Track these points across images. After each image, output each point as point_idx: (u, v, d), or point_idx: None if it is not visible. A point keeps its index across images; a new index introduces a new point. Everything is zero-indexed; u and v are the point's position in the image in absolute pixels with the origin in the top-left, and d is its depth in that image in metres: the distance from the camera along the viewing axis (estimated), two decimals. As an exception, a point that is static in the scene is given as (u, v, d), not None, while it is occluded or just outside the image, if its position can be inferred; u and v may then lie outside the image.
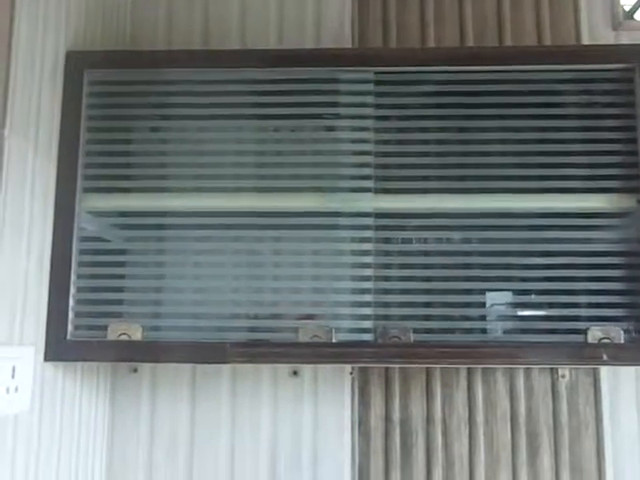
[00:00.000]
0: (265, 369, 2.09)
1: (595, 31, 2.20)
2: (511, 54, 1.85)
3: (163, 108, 1.87)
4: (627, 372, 2.05)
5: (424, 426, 2.07)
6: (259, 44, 2.23)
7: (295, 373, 2.10)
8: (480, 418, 2.06)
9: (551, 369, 2.06)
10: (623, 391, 2.04)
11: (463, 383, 2.08)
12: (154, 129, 1.86)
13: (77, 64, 1.82)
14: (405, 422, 2.07)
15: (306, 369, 2.10)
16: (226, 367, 2.08)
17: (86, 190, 1.81)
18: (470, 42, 2.22)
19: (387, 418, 2.08)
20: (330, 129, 1.80)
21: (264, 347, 1.69)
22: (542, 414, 2.05)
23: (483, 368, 2.07)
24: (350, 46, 2.22)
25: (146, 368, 2.12)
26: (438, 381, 2.08)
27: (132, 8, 2.28)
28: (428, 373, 2.09)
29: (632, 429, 2.02)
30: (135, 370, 2.12)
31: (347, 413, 2.08)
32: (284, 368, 2.09)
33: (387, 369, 2.08)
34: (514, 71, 1.83)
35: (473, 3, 2.27)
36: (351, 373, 2.09)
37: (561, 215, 1.76)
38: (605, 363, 1.65)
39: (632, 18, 2.28)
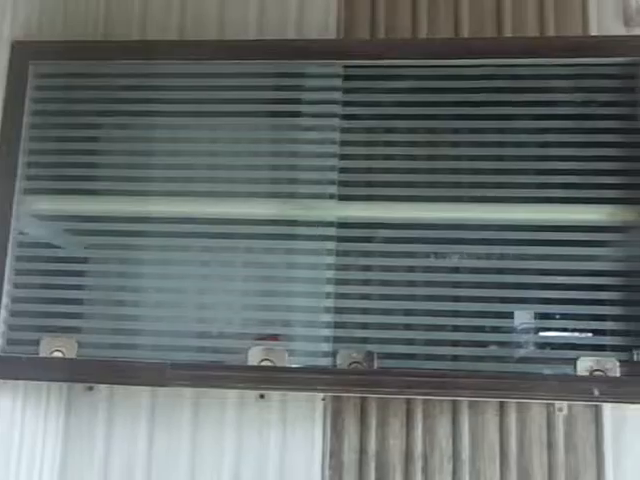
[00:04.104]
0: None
1: (604, 26, 1.97)
2: (500, 46, 1.65)
3: (115, 104, 1.72)
4: (633, 406, 1.80)
5: (402, 461, 1.85)
6: (238, 37, 2.06)
7: (262, 396, 1.91)
8: (465, 454, 1.84)
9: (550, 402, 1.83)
10: (628, 429, 1.79)
11: (447, 414, 1.86)
12: (97, 126, 1.71)
13: (22, 55, 1.68)
14: (381, 456, 1.86)
15: (274, 392, 1.91)
16: (188, 387, 1.91)
17: (27, 192, 1.66)
18: (465, 36, 2.02)
19: (362, 450, 1.87)
20: (291, 128, 1.62)
21: (208, 370, 1.51)
22: (535, 451, 1.82)
23: (478, 397, 1.85)
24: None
25: (103, 386, 1.96)
26: (420, 411, 1.87)
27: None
28: (409, 402, 1.87)
29: (638, 473, 1.78)
30: (91, 388, 1.96)
31: (318, 443, 1.88)
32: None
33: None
34: (504, 65, 1.63)
35: (470, -5, 2.06)
36: (323, 399, 1.89)
37: (553, 228, 1.54)
38: (596, 399, 1.42)
39: (648, 12, 2.05)
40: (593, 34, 1.93)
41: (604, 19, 1.97)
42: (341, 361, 1.49)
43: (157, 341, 1.61)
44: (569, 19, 1.99)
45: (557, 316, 1.56)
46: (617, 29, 1.94)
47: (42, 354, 1.54)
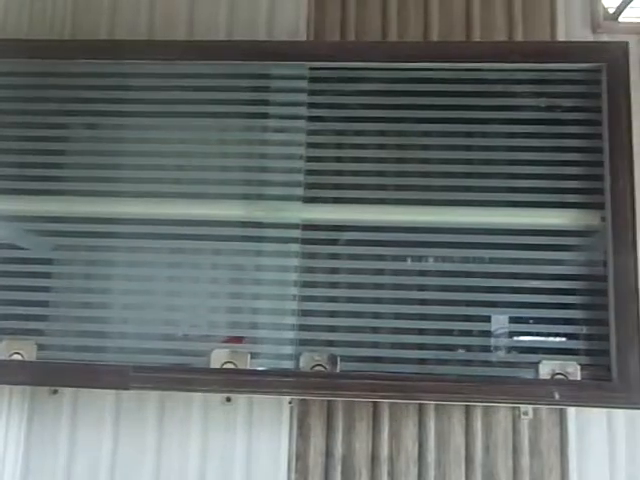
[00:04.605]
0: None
1: (572, 32, 1.98)
2: (468, 50, 1.66)
3: (81, 104, 1.70)
4: (598, 411, 1.81)
5: (368, 464, 1.85)
6: (208, 37, 2.05)
7: (228, 400, 1.90)
8: (431, 457, 1.84)
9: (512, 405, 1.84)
10: (593, 433, 1.80)
11: (414, 417, 1.86)
12: (63, 126, 1.69)
13: (-17, 53, 1.66)
14: (347, 459, 1.86)
15: (240, 395, 1.89)
16: (153, 389, 1.88)
17: (-15, 191, 1.64)
18: (435, 39, 2.02)
19: (328, 454, 1.86)
20: (257, 130, 1.62)
21: (171, 372, 1.49)
22: (501, 455, 1.82)
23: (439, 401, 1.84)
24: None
25: (67, 389, 1.93)
26: (386, 414, 1.86)
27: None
28: (375, 405, 1.87)
29: (602, 478, 1.79)
30: (55, 391, 1.93)
31: (284, 446, 1.87)
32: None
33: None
34: (466, 70, 1.63)
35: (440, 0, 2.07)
36: (290, 402, 1.88)
37: (517, 232, 1.55)
38: (557, 403, 1.43)
39: (616, 20, 2.07)
40: (561, 40, 1.94)
41: (572, 25, 1.98)
42: (304, 364, 1.49)
43: (121, 344, 1.59)
44: (537, 24, 2.00)
45: (522, 320, 1.56)
46: (585, 35, 1.96)
47: (0, 357, 1.52)
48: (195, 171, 1.63)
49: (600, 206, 1.53)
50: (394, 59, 1.67)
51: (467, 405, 1.83)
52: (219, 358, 1.50)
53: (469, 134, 1.65)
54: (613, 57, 1.57)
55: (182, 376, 1.47)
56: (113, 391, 1.90)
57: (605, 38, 1.95)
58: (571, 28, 1.98)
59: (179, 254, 1.61)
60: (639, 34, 1.88)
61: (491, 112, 1.65)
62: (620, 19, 2.06)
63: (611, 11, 2.08)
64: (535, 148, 1.61)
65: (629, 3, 2.00)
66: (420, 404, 1.84)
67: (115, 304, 1.63)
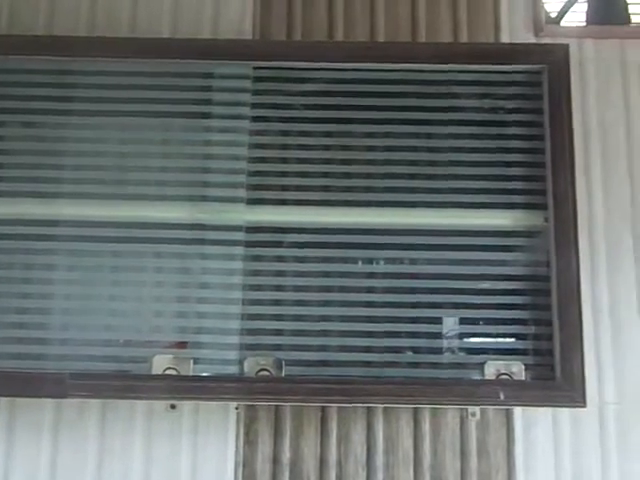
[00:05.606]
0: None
1: (516, 36, 2.00)
2: (413, 51, 1.66)
3: (17, 101, 1.64)
4: (543, 410, 1.83)
5: (317, 470, 1.82)
6: (151, 34, 2.00)
7: (173, 407, 1.85)
8: (380, 461, 1.82)
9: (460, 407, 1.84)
10: (538, 432, 1.81)
11: (362, 421, 1.84)
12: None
13: None
14: (295, 464, 1.83)
15: (184, 401, 1.85)
16: (95, 398, 1.82)
17: None
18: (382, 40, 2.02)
19: (275, 460, 1.83)
20: (200, 130, 1.58)
21: (110, 380, 1.45)
22: (449, 457, 1.82)
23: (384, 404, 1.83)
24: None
25: (2, 398, 1.85)
26: (334, 418, 1.84)
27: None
28: (323, 409, 1.85)
29: (547, 476, 1.80)
30: (-11, 401, 1.85)
31: (230, 453, 1.83)
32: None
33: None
34: (411, 70, 1.63)
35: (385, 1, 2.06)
36: (236, 408, 1.84)
37: (457, 233, 1.55)
38: (502, 403, 1.43)
39: (558, 23, 2.10)
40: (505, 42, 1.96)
41: (515, 28, 2.01)
42: (249, 369, 1.46)
43: (60, 350, 1.53)
44: (482, 27, 2.01)
45: (467, 321, 1.56)
46: (528, 38, 1.98)
47: None
48: (136, 172, 1.59)
49: (543, 207, 1.54)
50: (340, 59, 1.66)
51: (415, 407, 1.82)
52: (161, 364, 1.46)
53: (414, 135, 1.65)
54: (555, 59, 1.59)
55: (122, 383, 1.43)
56: (52, 400, 1.84)
57: (547, 41, 1.97)
58: (515, 31, 2.00)
59: (120, 257, 1.56)
60: (580, 37, 1.91)
61: (436, 113, 1.65)
62: (562, 23, 2.10)
63: (553, 15, 2.12)
64: (479, 149, 1.62)
65: (570, 7, 2.04)
66: (368, 407, 1.83)
67: (54, 309, 1.57)
